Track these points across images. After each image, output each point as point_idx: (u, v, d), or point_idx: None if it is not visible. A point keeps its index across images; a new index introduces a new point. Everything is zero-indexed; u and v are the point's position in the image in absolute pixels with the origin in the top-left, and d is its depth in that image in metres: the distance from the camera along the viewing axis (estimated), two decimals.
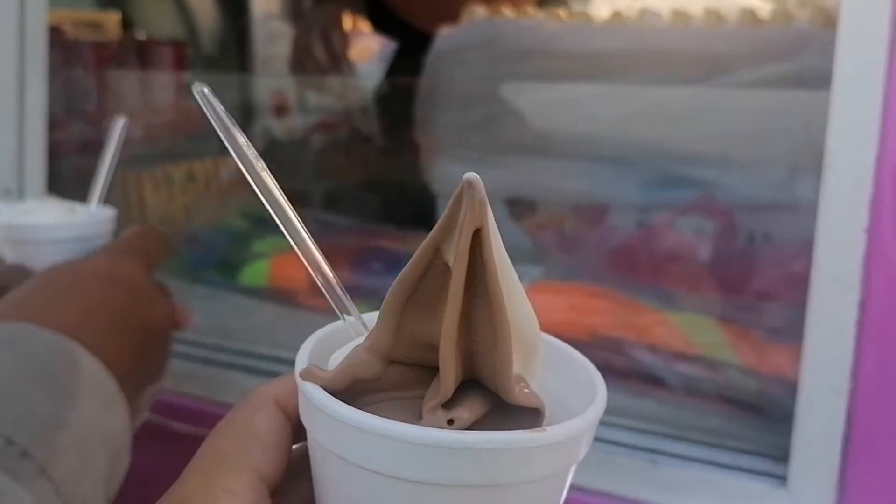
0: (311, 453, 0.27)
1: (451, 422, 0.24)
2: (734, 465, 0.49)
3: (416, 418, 0.24)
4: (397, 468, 0.23)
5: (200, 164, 0.89)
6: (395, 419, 0.23)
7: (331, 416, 0.23)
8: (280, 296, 0.76)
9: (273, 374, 0.62)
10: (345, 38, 0.97)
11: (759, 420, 0.54)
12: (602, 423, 0.52)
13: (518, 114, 0.91)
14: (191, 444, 0.37)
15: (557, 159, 0.90)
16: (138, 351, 0.45)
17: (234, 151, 0.29)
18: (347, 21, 0.99)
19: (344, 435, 0.23)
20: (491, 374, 0.24)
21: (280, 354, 0.67)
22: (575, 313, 0.63)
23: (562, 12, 0.92)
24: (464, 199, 0.23)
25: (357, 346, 0.27)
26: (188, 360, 0.65)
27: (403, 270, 0.24)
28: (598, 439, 0.53)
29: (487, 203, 0.23)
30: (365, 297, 0.72)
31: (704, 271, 0.69)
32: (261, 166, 0.29)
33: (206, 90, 0.29)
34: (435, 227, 0.24)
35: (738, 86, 0.78)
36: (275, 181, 0.29)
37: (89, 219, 0.56)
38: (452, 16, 0.95)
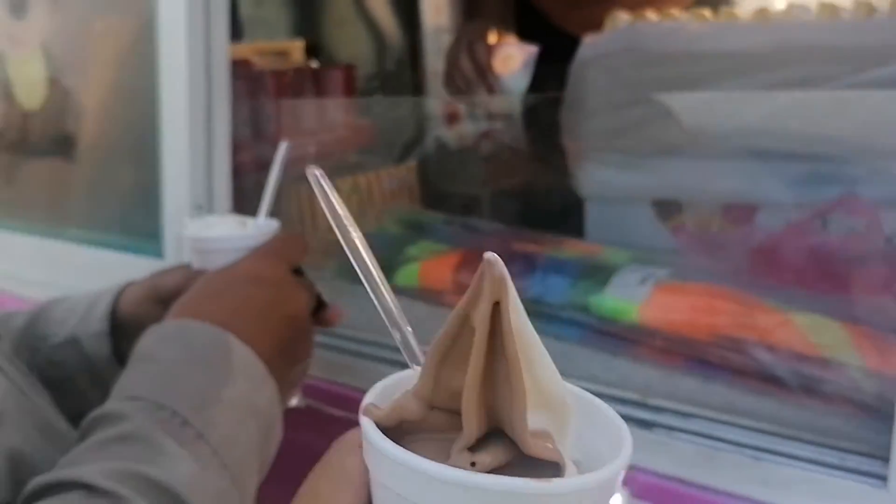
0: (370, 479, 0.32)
1: (474, 464, 0.27)
2: (840, 464, 0.50)
3: (448, 457, 0.28)
4: (421, 497, 0.27)
5: (364, 176, 0.98)
6: (430, 456, 0.27)
7: (375, 447, 0.28)
8: (428, 295, 0.83)
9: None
10: (489, 50, 1.02)
11: (877, 421, 0.53)
12: (710, 419, 0.55)
13: (665, 116, 0.92)
14: (342, 426, 0.45)
15: (705, 160, 0.90)
16: (281, 338, 0.54)
17: (336, 225, 0.35)
18: (492, 35, 1.04)
19: (384, 464, 0.28)
20: (510, 426, 0.28)
21: (424, 350, 0.73)
22: (696, 313, 0.65)
23: (707, 12, 0.92)
24: (485, 275, 0.27)
25: (407, 390, 0.31)
26: (343, 352, 0.74)
27: (441, 330, 0.29)
28: (703, 435, 0.55)
29: (507, 278, 0.27)
30: None
31: (842, 271, 0.68)
32: (357, 236, 0.35)
33: (318, 173, 0.35)
34: (464, 296, 0.28)
35: (890, 81, 0.75)
36: (367, 248, 0.34)
37: (257, 230, 0.66)
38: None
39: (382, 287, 0.35)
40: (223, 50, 0.81)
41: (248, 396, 0.49)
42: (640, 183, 0.95)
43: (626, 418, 0.58)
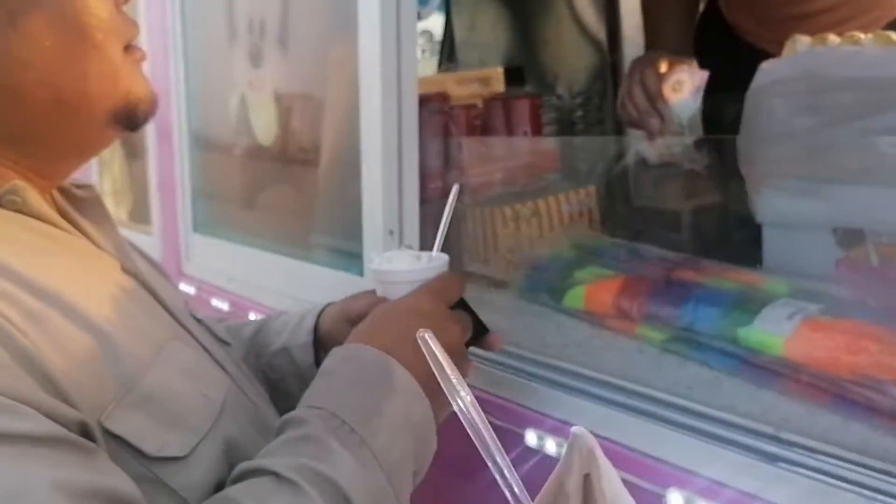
0: None
1: None
2: None
3: None
4: None
5: (544, 201, 1.06)
6: None
7: None
8: (592, 318, 0.90)
9: (573, 391, 0.76)
10: (659, 78, 1.05)
11: None
12: (835, 457, 0.57)
13: (847, 142, 0.91)
14: (506, 438, 0.53)
15: (889, 187, 0.88)
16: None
17: (445, 385, 0.40)
18: (664, 63, 1.07)
19: None
20: None
21: (583, 371, 0.80)
22: (838, 351, 0.66)
23: (894, 35, 0.90)
24: (574, 448, 0.31)
25: None
26: (506, 368, 0.82)
27: (540, 494, 0.33)
28: (824, 472, 0.57)
29: (594, 450, 0.31)
30: (651, 324, 0.82)
31: None
32: (469, 399, 0.39)
33: (427, 335, 0.42)
34: (559, 465, 0.32)
35: None
36: (477, 408, 0.38)
37: (429, 264, 0.76)
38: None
39: (493, 445, 0.38)
40: (413, 91, 0.92)
41: (405, 411, 0.59)
42: (818, 210, 0.94)
43: (755, 451, 0.62)
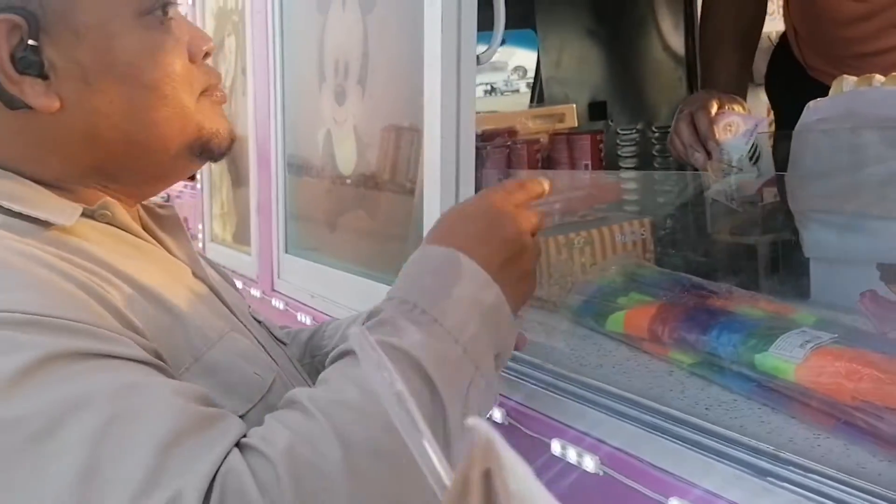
0: None
1: None
2: None
3: None
4: None
5: (598, 231, 1.12)
6: None
7: None
8: (630, 341, 0.95)
9: (596, 405, 0.81)
10: (709, 118, 1.09)
11: None
12: (828, 477, 0.61)
13: (886, 180, 0.93)
14: (535, 446, 0.58)
15: None
16: (501, 254, 0.67)
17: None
18: (714, 103, 1.11)
19: None
20: None
21: (609, 388, 0.85)
22: (842, 377, 0.69)
23: None
24: (472, 442, 0.26)
25: None
26: (539, 383, 0.89)
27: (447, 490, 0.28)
28: (814, 490, 0.61)
29: (494, 443, 0.26)
30: (681, 348, 0.87)
31: None
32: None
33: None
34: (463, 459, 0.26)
35: None
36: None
37: None
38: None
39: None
40: (470, 126, 1.00)
41: (475, 295, 0.63)
42: (863, 245, 0.97)
43: (749, 466, 0.66)
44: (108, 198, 0.67)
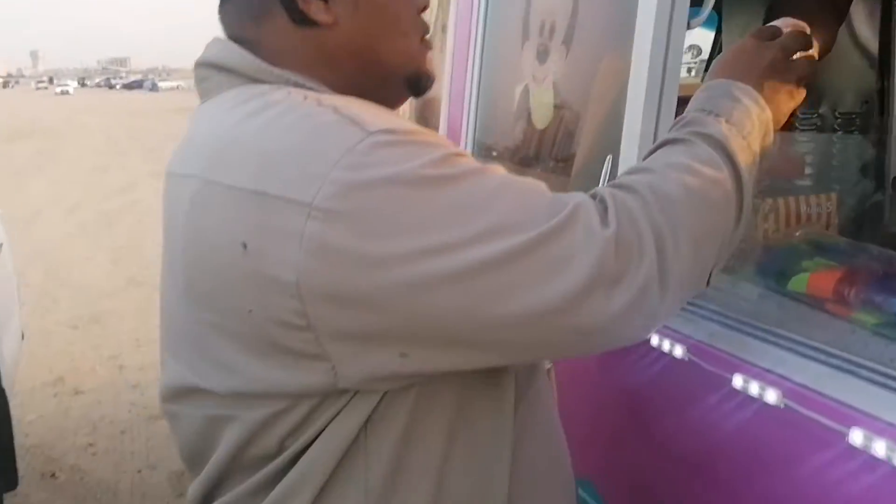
0: None
1: None
2: None
3: None
4: None
5: (784, 200, 1.17)
6: None
7: None
8: (812, 301, 1.00)
9: (779, 347, 0.87)
10: None
11: None
12: None
13: None
14: (715, 380, 0.68)
15: None
16: (786, 86, 0.88)
17: None
18: None
19: None
20: None
21: (792, 336, 0.91)
22: None
23: None
24: None
25: None
26: (725, 325, 0.96)
27: None
28: None
29: None
30: (867, 309, 0.91)
31: None
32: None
33: None
34: None
35: None
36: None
37: None
38: None
39: None
40: (672, 100, 1.08)
41: (748, 107, 0.82)
42: None
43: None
44: None
